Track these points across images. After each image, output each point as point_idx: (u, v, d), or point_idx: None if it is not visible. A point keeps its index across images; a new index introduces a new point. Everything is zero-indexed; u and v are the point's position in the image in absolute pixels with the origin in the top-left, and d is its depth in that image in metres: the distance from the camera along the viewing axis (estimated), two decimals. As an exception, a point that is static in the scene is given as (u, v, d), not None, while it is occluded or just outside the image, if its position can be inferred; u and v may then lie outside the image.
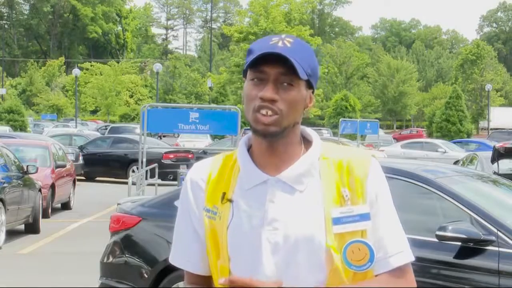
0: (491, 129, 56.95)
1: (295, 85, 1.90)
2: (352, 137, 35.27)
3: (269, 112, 1.88)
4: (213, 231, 1.96)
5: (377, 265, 1.90)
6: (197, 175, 2.03)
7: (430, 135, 51.51)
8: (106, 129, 43.97)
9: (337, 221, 1.88)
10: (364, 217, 1.89)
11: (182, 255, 2.06)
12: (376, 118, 52.85)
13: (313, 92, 1.99)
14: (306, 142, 2.00)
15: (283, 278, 1.87)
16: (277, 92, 1.89)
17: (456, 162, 22.14)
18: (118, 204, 7.23)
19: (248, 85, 1.94)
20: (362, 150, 2.05)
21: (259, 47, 1.91)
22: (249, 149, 2.00)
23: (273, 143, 1.93)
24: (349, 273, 1.88)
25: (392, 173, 5.24)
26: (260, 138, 1.94)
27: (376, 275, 1.92)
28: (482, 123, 70.04)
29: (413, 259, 1.96)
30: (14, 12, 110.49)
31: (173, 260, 2.09)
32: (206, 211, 1.98)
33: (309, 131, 2.03)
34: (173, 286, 6.16)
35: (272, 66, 1.89)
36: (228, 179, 1.98)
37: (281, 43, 1.91)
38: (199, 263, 2.03)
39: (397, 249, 1.93)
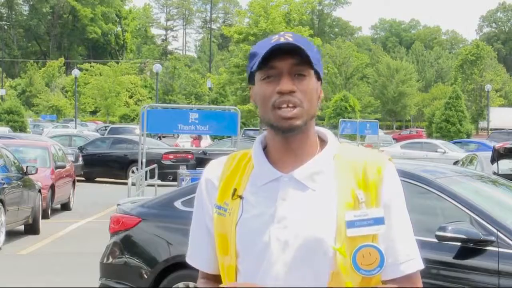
0: (491, 129, 57.00)
1: (307, 75, 1.91)
2: (352, 137, 35.25)
3: (290, 104, 1.87)
4: (222, 227, 1.95)
5: (386, 271, 1.88)
6: (212, 173, 2.03)
7: (429, 135, 51.52)
8: (106, 129, 43.96)
9: (351, 224, 1.85)
10: (378, 221, 1.87)
11: (197, 255, 2.07)
12: (375, 119, 52.89)
13: (321, 84, 1.99)
14: (322, 142, 1.99)
15: (290, 277, 1.86)
16: (293, 83, 1.89)
17: (455, 163, 22.15)
18: (118, 204, 7.23)
19: (261, 85, 1.92)
20: (378, 153, 2.03)
21: (263, 47, 1.90)
22: (264, 148, 2.00)
23: (289, 139, 1.92)
24: (356, 277, 1.86)
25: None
26: (281, 135, 1.92)
27: (383, 281, 1.90)
28: (482, 124, 70.09)
29: (422, 267, 1.95)
30: (13, 12, 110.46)
31: (189, 260, 2.11)
32: (217, 208, 1.98)
33: (324, 130, 2.02)
34: (173, 287, 6.17)
35: (281, 59, 1.89)
36: (241, 176, 1.98)
37: (283, 39, 1.90)
38: (212, 262, 2.04)
39: (407, 256, 1.91)
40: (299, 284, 1.86)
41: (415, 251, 1.94)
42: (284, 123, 1.88)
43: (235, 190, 1.96)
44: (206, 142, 33.42)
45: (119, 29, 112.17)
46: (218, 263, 2.01)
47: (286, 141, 1.93)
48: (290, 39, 1.89)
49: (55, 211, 15.92)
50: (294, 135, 1.91)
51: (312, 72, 1.91)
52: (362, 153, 1.97)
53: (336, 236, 1.85)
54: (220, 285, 1.88)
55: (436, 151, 31.10)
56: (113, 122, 60.04)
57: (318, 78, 1.96)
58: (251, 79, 1.98)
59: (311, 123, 1.94)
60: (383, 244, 1.88)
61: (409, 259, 1.91)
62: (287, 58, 1.88)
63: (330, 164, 1.93)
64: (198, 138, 27.91)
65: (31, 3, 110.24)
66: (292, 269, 1.86)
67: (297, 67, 1.89)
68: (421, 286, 1.95)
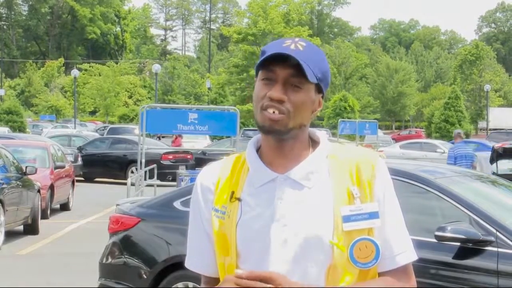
0: (490, 129, 57.02)
1: (303, 88, 1.93)
2: (351, 137, 35.28)
3: (276, 112, 1.91)
4: (221, 230, 1.98)
5: (382, 263, 1.94)
6: (207, 178, 2.06)
7: (429, 135, 51.55)
8: (105, 129, 43.94)
9: (347, 219, 1.91)
10: (373, 215, 1.93)
11: (197, 259, 2.09)
12: (375, 119, 52.87)
13: (322, 97, 2.02)
14: (314, 143, 2.03)
15: (292, 274, 1.89)
16: (285, 92, 1.92)
17: (455, 163, 22.10)
18: (117, 205, 7.23)
19: (258, 84, 1.97)
20: (369, 150, 2.09)
21: (272, 48, 1.94)
22: (258, 150, 2.03)
23: (281, 143, 1.96)
24: (353, 271, 1.91)
25: (391, 173, 5.21)
26: (266, 135, 1.97)
27: (379, 273, 1.96)
28: (481, 124, 70.08)
29: (416, 258, 2.00)
30: (12, 13, 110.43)
31: (189, 265, 2.11)
32: (215, 211, 2.01)
33: (317, 132, 2.06)
34: (172, 287, 6.17)
35: (282, 67, 1.92)
36: (237, 178, 2.01)
37: (293, 46, 1.94)
38: (213, 266, 2.05)
39: (402, 248, 1.97)
40: (301, 280, 1.89)
41: (408, 243, 1.99)
42: (266, 123, 1.92)
43: (232, 192, 1.99)
44: (205, 142, 33.42)
45: (118, 29, 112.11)
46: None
47: (278, 144, 1.97)
48: (301, 48, 1.93)
49: (54, 211, 15.91)
50: (282, 138, 1.95)
51: (310, 85, 1.95)
52: (354, 152, 2.03)
53: (334, 231, 1.90)
54: (237, 271, 1.88)
55: (436, 151, 31.11)
56: (112, 122, 59.99)
57: (320, 90, 1.99)
58: (257, 74, 2.02)
59: (302, 130, 1.98)
60: (378, 237, 1.93)
61: (403, 251, 1.97)
62: (286, 67, 1.92)
63: (324, 163, 1.98)
64: (179, 136, 27.95)
65: (30, 3, 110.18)
66: (293, 266, 1.90)
67: (294, 78, 1.92)
68: (414, 277, 2.00)
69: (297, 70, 1.91)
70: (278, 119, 1.91)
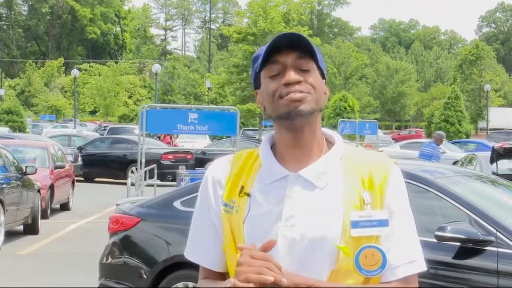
0: (490, 129, 57.03)
1: (311, 70, 1.93)
2: (351, 137, 35.25)
3: (297, 93, 1.89)
4: (230, 225, 1.96)
5: (386, 273, 1.91)
6: (218, 172, 2.04)
7: (429, 135, 51.52)
8: (105, 129, 43.92)
9: (355, 224, 1.88)
10: (382, 223, 1.90)
11: (199, 250, 2.06)
12: (375, 119, 52.86)
13: (325, 84, 2.01)
14: (329, 143, 2.01)
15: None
16: (299, 75, 1.91)
17: (455, 163, 22.18)
18: (117, 204, 7.22)
19: (266, 83, 1.94)
20: (383, 156, 2.04)
21: (265, 48, 1.93)
22: (271, 147, 2.01)
23: (298, 135, 1.93)
24: (357, 277, 1.88)
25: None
26: (289, 124, 1.92)
27: (382, 282, 1.92)
28: (481, 124, 70.11)
29: (424, 269, 1.96)
30: (12, 12, 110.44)
31: (190, 255, 2.09)
32: (224, 205, 1.99)
33: (331, 132, 2.04)
34: (172, 287, 6.17)
35: (285, 54, 1.91)
36: (248, 174, 1.99)
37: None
38: (216, 259, 2.03)
39: (408, 259, 1.93)
40: None
41: (417, 254, 1.95)
42: (290, 107, 1.89)
43: (242, 187, 1.97)
44: (205, 142, 33.42)
45: (118, 29, 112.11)
46: (222, 260, 2.02)
47: (295, 136, 1.94)
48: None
49: (54, 211, 15.91)
50: (301, 127, 1.92)
51: (315, 67, 1.93)
52: (369, 156, 1.99)
53: (342, 235, 1.87)
54: (239, 245, 1.87)
55: (435, 151, 31.02)
56: (111, 122, 59.94)
57: (323, 76, 1.98)
58: (256, 82, 2.00)
59: (318, 117, 1.96)
60: (385, 246, 1.90)
61: (410, 261, 1.93)
62: (290, 53, 1.91)
63: (337, 165, 1.95)
64: (167, 135, 28.00)
65: (30, 3, 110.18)
66: (298, 266, 1.88)
67: (301, 61, 1.91)
68: (416, 287, 1.97)
69: (300, 51, 1.90)
70: (302, 98, 1.88)
